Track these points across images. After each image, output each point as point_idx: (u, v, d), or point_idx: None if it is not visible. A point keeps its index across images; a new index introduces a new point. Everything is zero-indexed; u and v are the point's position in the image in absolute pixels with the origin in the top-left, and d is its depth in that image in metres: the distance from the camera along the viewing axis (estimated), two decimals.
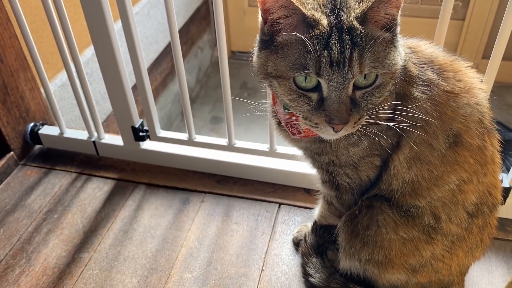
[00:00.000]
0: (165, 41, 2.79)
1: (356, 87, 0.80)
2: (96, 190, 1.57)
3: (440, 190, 0.97)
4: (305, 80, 0.78)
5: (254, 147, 1.48)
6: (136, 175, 1.61)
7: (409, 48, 0.96)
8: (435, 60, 0.96)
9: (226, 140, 1.49)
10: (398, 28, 0.83)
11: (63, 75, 1.93)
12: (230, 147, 1.49)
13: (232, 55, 3.59)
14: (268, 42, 0.82)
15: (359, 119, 0.82)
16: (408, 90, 0.92)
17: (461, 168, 0.95)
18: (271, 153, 1.46)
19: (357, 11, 0.76)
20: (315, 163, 1.04)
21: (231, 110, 1.42)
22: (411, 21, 2.73)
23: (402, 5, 0.78)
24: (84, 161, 1.69)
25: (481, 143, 0.95)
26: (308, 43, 0.75)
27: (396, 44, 0.82)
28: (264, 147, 1.47)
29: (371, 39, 0.76)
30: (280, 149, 1.46)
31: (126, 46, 1.38)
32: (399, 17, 0.81)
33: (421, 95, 0.92)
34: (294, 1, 0.74)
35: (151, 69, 2.66)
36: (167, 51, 2.84)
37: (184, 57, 3.15)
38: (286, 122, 0.95)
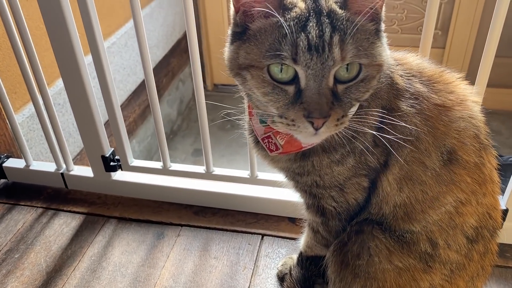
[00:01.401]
0: (142, 73, 2.72)
1: (338, 81, 0.71)
2: (63, 226, 1.45)
3: (436, 212, 0.88)
4: (281, 71, 0.70)
5: (234, 174, 1.38)
6: (107, 208, 1.49)
7: (395, 60, 0.89)
8: (424, 72, 0.89)
9: (204, 167, 1.40)
10: (383, 25, 0.76)
11: (32, 106, 1.82)
12: (208, 175, 1.39)
13: (215, 87, 3.54)
14: (241, 33, 0.74)
15: (342, 117, 0.72)
16: (395, 103, 0.85)
17: (457, 188, 0.87)
18: (253, 180, 1.36)
19: None
20: (298, 185, 0.95)
21: (207, 134, 1.33)
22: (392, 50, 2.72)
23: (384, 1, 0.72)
24: (51, 195, 1.57)
25: (478, 160, 0.87)
26: (284, 25, 0.67)
27: (381, 37, 0.75)
28: (245, 173, 1.37)
29: (352, 24, 0.69)
30: (262, 175, 1.36)
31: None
32: (383, 12, 0.75)
33: (410, 108, 0.84)
34: None
35: (129, 100, 2.58)
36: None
37: (165, 89, 3.12)
38: (263, 137, 0.86)
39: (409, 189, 0.87)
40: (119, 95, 2.47)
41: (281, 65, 0.69)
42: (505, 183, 1.21)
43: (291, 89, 0.71)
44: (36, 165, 1.57)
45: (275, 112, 0.74)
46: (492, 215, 0.92)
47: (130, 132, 2.66)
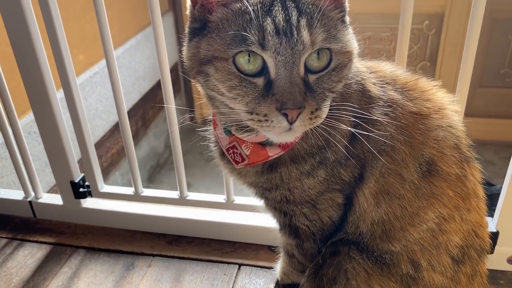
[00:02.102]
0: (128, 104, 2.68)
1: (309, 71, 0.66)
2: (28, 257, 1.35)
3: (417, 230, 0.81)
4: (249, 62, 0.64)
5: (209, 198, 1.31)
6: (76, 238, 1.40)
7: (368, 68, 0.84)
8: (398, 79, 0.84)
9: (177, 192, 1.32)
10: (348, 18, 0.73)
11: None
12: (182, 200, 1.32)
13: (204, 121, 3.50)
14: (200, 29, 0.69)
15: (316, 110, 0.66)
16: (367, 111, 0.79)
17: (439, 203, 0.80)
18: (229, 204, 1.29)
19: None
20: (268, 202, 0.88)
21: (180, 155, 1.27)
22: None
23: None
24: (19, 225, 1.48)
25: (460, 171, 0.80)
26: (249, 8, 0.63)
27: (346, 23, 0.71)
28: (221, 198, 1.30)
29: (319, 11, 0.65)
30: (239, 199, 1.29)
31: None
32: (347, 3, 0.71)
33: (384, 116, 0.79)
34: None
35: (113, 131, 2.52)
36: (131, 114, 2.72)
37: (151, 121, 3.07)
38: (228, 148, 0.80)
39: (386, 204, 0.80)
40: (102, 126, 2.42)
41: (249, 54, 0.64)
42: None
43: (260, 81, 0.66)
44: (3, 193, 1.49)
45: (244, 109, 0.67)
46: (479, 233, 0.84)
47: (113, 164, 2.58)
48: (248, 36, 0.63)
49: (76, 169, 1.36)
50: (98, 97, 2.36)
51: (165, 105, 1.16)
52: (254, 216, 1.30)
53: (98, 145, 2.38)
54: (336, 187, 0.82)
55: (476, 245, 0.84)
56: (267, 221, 1.25)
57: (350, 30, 0.72)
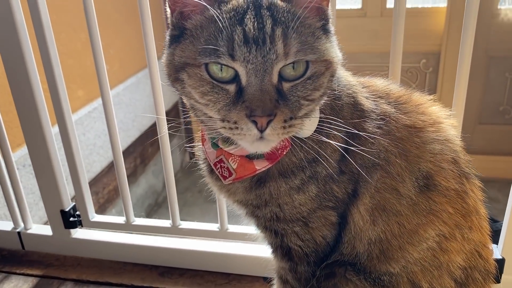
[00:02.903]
0: (127, 140, 2.67)
1: (283, 79, 0.64)
2: None
3: (417, 249, 0.76)
4: (221, 70, 0.64)
5: (202, 227, 1.26)
6: (65, 270, 1.35)
7: (360, 83, 0.83)
8: (391, 93, 0.83)
9: (170, 221, 1.28)
10: (332, 26, 0.72)
11: None
12: (174, 229, 1.27)
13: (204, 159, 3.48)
14: (179, 36, 0.69)
15: (291, 119, 0.64)
16: (360, 125, 0.77)
17: (438, 220, 0.76)
18: (223, 233, 1.24)
19: None
20: (259, 222, 0.84)
21: (173, 182, 1.23)
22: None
23: None
24: (6, 257, 1.43)
25: (459, 187, 0.77)
26: (218, 17, 0.62)
27: (329, 36, 0.70)
28: (214, 226, 1.25)
29: (296, 19, 0.63)
30: (233, 228, 1.24)
31: None
32: (329, 11, 0.70)
33: (377, 130, 0.76)
34: None
35: (110, 168, 2.50)
36: (129, 151, 2.71)
37: (150, 159, 3.06)
38: (215, 162, 0.77)
39: (383, 221, 0.77)
40: (99, 161, 2.40)
41: (221, 65, 0.63)
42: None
43: (232, 88, 0.65)
44: None
45: (216, 116, 0.66)
46: (482, 253, 0.80)
47: (109, 201, 2.54)
48: (217, 47, 0.63)
49: (67, 198, 1.33)
50: (96, 132, 2.35)
51: (155, 115, 1.14)
52: (249, 246, 1.25)
53: (94, 181, 2.35)
54: (329, 204, 0.79)
55: (481, 267, 0.80)
56: (262, 251, 1.20)
57: (332, 38, 0.71)
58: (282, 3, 0.66)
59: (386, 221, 0.76)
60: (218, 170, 0.78)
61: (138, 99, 2.78)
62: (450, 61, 2.90)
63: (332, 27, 0.71)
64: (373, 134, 0.76)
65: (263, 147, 0.68)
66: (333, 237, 0.81)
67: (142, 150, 2.91)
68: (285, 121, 0.64)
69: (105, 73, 1.17)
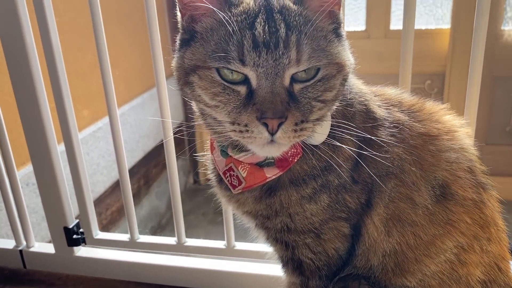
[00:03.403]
0: (131, 161, 2.66)
1: (294, 80, 0.63)
2: None
3: (434, 262, 0.74)
4: (232, 73, 0.63)
5: (208, 244, 1.23)
6: None
7: (372, 92, 0.82)
8: (404, 102, 0.81)
9: (175, 238, 1.25)
10: (343, 31, 0.71)
11: None
12: (179, 247, 1.24)
13: (208, 182, 3.46)
14: (189, 40, 0.68)
15: (302, 122, 0.63)
16: (372, 132, 0.75)
17: (456, 230, 0.73)
18: (230, 251, 1.21)
19: None
20: (269, 234, 0.81)
21: (179, 197, 1.21)
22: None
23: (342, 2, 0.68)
24: (7, 276, 1.39)
25: (477, 196, 0.75)
26: (228, 22, 0.61)
27: (341, 39, 0.69)
28: (221, 244, 1.22)
29: (308, 23, 0.63)
30: (240, 245, 1.21)
31: None
32: (341, 15, 0.70)
33: (390, 137, 0.75)
34: None
35: (114, 188, 2.47)
36: (133, 172, 2.69)
37: (154, 180, 3.03)
38: (225, 171, 0.75)
39: (398, 232, 0.74)
40: (103, 182, 2.38)
41: (231, 69, 0.63)
42: None
43: (243, 89, 0.64)
44: None
45: (227, 119, 0.65)
46: (502, 267, 0.77)
47: (112, 223, 2.51)
48: (227, 53, 0.62)
49: (70, 215, 1.31)
50: (100, 152, 2.34)
51: (161, 119, 1.13)
52: (257, 264, 1.21)
53: (97, 202, 2.33)
54: (341, 215, 0.76)
55: (500, 281, 0.76)
56: (270, 269, 1.17)
57: (344, 42, 0.71)
58: (294, 6, 0.65)
59: (402, 232, 0.74)
60: (228, 179, 0.76)
61: (143, 119, 2.77)
62: (455, 82, 2.90)
63: (344, 31, 0.70)
64: (386, 143, 0.74)
65: (274, 151, 0.67)
66: (346, 249, 0.78)
67: (146, 171, 2.90)
68: (296, 124, 0.62)
69: (113, 93, 1.17)
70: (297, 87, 0.64)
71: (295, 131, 0.63)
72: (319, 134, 0.71)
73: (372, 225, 0.75)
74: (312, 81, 0.65)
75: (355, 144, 0.74)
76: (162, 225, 3.06)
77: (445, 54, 2.89)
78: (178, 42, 0.72)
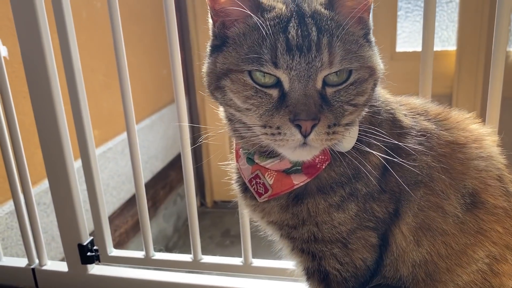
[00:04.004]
0: None
1: (326, 84, 0.64)
2: None
3: (466, 271, 0.72)
4: (264, 76, 0.63)
5: (225, 261, 1.21)
6: None
7: (397, 102, 0.82)
8: (430, 111, 0.81)
9: (191, 255, 1.23)
10: (373, 38, 0.72)
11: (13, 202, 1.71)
12: (195, 264, 1.22)
13: (215, 204, 3.44)
14: (220, 46, 0.69)
15: (334, 125, 0.63)
16: (400, 142, 0.74)
17: (488, 240, 0.72)
18: (247, 268, 1.19)
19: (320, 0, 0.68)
20: (295, 244, 0.79)
21: (195, 215, 1.20)
22: None
23: (371, 7, 0.69)
24: None
25: (507, 205, 0.74)
26: (262, 26, 0.62)
27: (371, 44, 0.70)
28: (237, 261, 1.20)
29: (340, 27, 0.64)
30: (258, 262, 1.19)
31: None
32: (370, 21, 0.71)
33: (418, 146, 0.74)
34: None
35: (122, 210, 2.46)
36: None
37: (161, 202, 3.01)
38: (250, 178, 0.75)
39: (428, 242, 0.72)
40: (112, 203, 2.36)
41: (263, 72, 0.63)
42: None
43: (275, 92, 0.64)
44: (5, 261, 1.41)
45: (258, 122, 0.65)
46: None
47: (120, 245, 2.48)
48: (260, 55, 0.63)
49: (85, 231, 1.29)
50: (110, 173, 2.33)
51: (178, 123, 1.13)
52: (275, 282, 1.19)
53: None
54: (369, 224, 0.75)
55: None
56: (290, 287, 1.15)
57: (374, 48, 0.71)
58: (325, 11, 0.66)
59: (432, 241, 0.73)
60: (253, 187, 0.75)
61: (152, 141, 2.78)
62: (462, 103, 2.91)
63: (373, 38, 0.71)
64: (414, 151, 0.74)
65: (305, 155, 0.66)
66: (374, 260, 0.77)
67: (154, 192, 2.88)
68: (329, 126, 0.62)
69: (132, 112, 1.19)
70: (329, 90, 0.65)
71: (328, 133, 0.63)
72: (348, 140, 0.70)
73: (400, 234, 0.74)
74: (344, 85, 0.65)
75: (383, 152, 0.73)
76: (169, 248, 3.03)
77: (452, 76, 2.91)
78: (209, 48, 0.72)
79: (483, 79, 2.76)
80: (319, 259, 0.77)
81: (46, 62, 1.12)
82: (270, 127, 0.63)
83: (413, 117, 0.79)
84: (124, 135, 2.45)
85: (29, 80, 1.15)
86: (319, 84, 0.64)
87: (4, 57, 1.23)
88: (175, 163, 3.13)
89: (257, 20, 0.64)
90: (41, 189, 1.84)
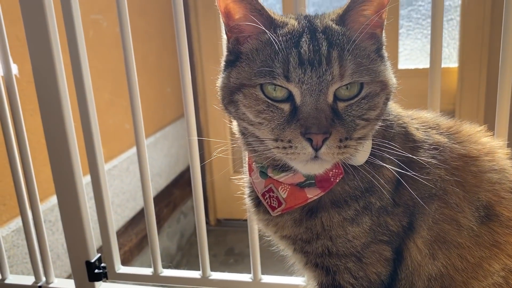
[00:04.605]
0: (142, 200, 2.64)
1: (338, 99, 0.65)
2: None
3: (482, 285, 0.72)
4: (275, 90, 0.65)
5: (233, 278, 1.20)
6: None
7: (409, 116, 0.82)
8: (441, 124, 0.82)
9: (199, 272, 1.22)
10: (385, 53, 0.73)
11: (20, 220, 1.70)
12: (204, 281, 1.21)
13: (218, 222, 3.42)
14: (234, 61, 0.70)
15: (346, 139, 0.64)
16: (413, 155, 0.75)
17: (503, 253, 0.72)
18: (256, 284, 1.18)
19: (332, 16, 0.69)
20: (309, 259, 0.79)
21: (204, 231, 1.19)
22: None
23: (385, 20, 0.70)
24: None
25: None
26: (275, 40, 0.64)
27: (383, 59, 0.70)
28: (247, 277, 1.19)
29: (351, 42, 0.65)
30: (267, 278, 1.18)
31: None
32: (383, 37, 0.72)
33: (431, 159, 0.75)
34: (258, 1, 0.66)
35: (126, 227, 2.45)
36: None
37: (165, 220, 3.00)
38: (264, 192, 0.75)
39: (444, 255, 0.72)
40: (116, 221, 2.35)
41: (275, 85, 0.65)
42: None
43: (286, 107, 0.65)
44: (12, 279, 1.39)
45: (270, 136, 0.66)
46: None
47: (124, 263, 2.45)
48: (273, 69, 0.64)
49: (93, 248, 1.29)
50: (115, 190, 2.33)
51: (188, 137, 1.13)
52: None
53: None
54: (383, 238, 0.75)
55: None
56: None
57: (386, 63, 0.72)
58: (337, 26, 0.68)
59: (447, 254, 0.72)
60: (267, 201, 0.76)
61: (156, 158, 2.78)
62: (466, 119, 2.91)
63: (386, 53, 0.72)
64: (427, 164, 0.74)
65: (317, 168, 0.67)
66: (388, 274, 0.77)
67: (158, 211, 2.87)
68: (340, 140, 0.63)
69: (142, 127, 1.20)
70: (341, 105, 0.66)
71: (339, 147, 0.63)
72: (361, 154, 0.71)
73: (415, 248, 0.74)
74: (356, 99, 0.66)
75: (396, 165, 0.74)
76: (173, 267, 3.00)
77: (454, 92, 2.93)
78: (223, 63, 0.74)
79: (486, 95, 2.78)
80: (333, 274, 0.77)
81: (57, 80, 1.13)
82: (282, 140, 0.64)
83: (425, 131, 0.79)
84: (128, 153, 2.45)
85: (40, 97, 1.16)
86: (330, 98, 0.64)
87: (15, 75, 1.24)
88: (179, 181, 3.13)
89: (270, 35, 0.65)
90: (46, 207, 1.83)
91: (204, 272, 1.22)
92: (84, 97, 1.16)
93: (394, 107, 0.80)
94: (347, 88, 0.65)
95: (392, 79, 0.71)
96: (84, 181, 1.29)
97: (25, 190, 1.32)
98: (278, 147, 0.65)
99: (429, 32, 0.97)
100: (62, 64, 1.14)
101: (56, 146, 1.21)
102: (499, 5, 2.63)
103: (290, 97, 0.65)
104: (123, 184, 2.41)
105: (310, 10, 2.76)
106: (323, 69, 0.63)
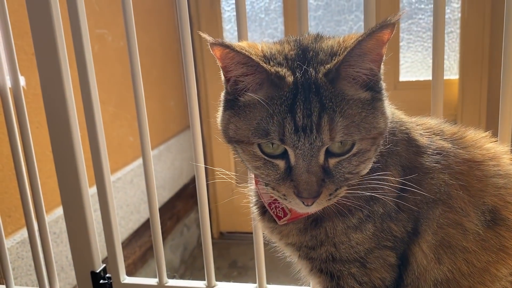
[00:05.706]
0: (146, 213, 2.64)
1: (329, 154, 0.66)
2: None
3: None
4: (272, 147, 0.67)
5: (238, 287, 1.20)
6: None
7: (412, 122, 0.83)
8: (445, 130, 0.83)
9: (205, 282, 1.22)
10: (382, 85, 0.71)
11: (25, 231, 1.71)
12: None
13: (221, 235, 3.42)
14: (232, 101, 0.71)
15: (335, 191, 0.67)
16: (417, 161, 0.76)
17: (510, 257, 0.73)
18: None
19: (327, 66, 0.66)
20: (314, 264, 0.80)
21: (209, 241, 1.20)
22: None
23: (383, 58, 0.68)
24: None
25: None
26: (270, 107, 0.65)
27: (377, 105, 0.69)
28: (252, 286, 1.19)
29: (343, 101, 0.65)
30: None
31: None
32: (381, 71, 0.70)
33: (435, 164, 0.75)
34: (253, 57, 0.65)
35: (130, 240, 2.44)
36: (148, 224, 2.66)
37: (168, 233, 2.99)
38: (270, 202, 0.77)
39: (449, 259, 0.73)
40: (120, 233, 2.35)
41: (271, 144, 0.67)
42: None
43: (282, 163, 0.67)
44: None
45: (268, 183, 0.71)
46: None
47: (128, 275, 2.45)
48: (269, 132, 0.65)
49: (98, 259, 1.29)
50: (118, 203, 2.34)
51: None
52: None
53: None
54: (387, 244, 0.75)
55: None
56: None
57: (380, 103, 0.70)
58: (329, 85, 0.66)
59: (453, 259, 0.73)
60: (273, 210, 0.77)
61: (159, 171, 2.79)
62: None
63: (382, 86, 0.72)
64: (431, 169, 0.75)
65: (310, 211, 0.72)
66: (393, 280, 0.77)
67: (161, 223, 2.85)
68: (330, 194, 0.67)
69: (148, 142, 1.22)
70: (332, 161, 0.67)
71: (330, 199, 0.68)
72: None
73: (421, 252, 0.74)
74: (347, 155, 0.67)
75: (399, 172, 0.74)
76: (177, 278, 2.99)
77: (455, 104, 2.94)
78: (222, 99, 0.75)
79: (487, 106, 2.79)
80: (337, 279, 0.77)
81: (65, 93, 1.14)
82: (278, 191, 0.69)
83: (428, 137, 0.80)
84: (132, 165, 2.46)
85: (48, 110, 1.17)
86: (321, 159, 0.66)
87: (22, 87, 1.26)
88: (182, 194, 3.13)
89: (264, 102, 0.66)
90: (51, 219, 1.84)
91: (209, 282, 1.22)
92: (92, 110, 1.18)
93: (396, 114, 0.81)
94: (340, 143, 0.66)
95: (386, 120, 0.70)
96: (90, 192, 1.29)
97: (31, 201, 1.32)
98: (274, 194, 0.70)
99: (430, 44, 0.98)
100: (70, 78, 1.16)
101: (63, 158, 1.22)
102: (498, 17, 2.66)
103: (285, 154, 0.67)
104: (127, 196, 2.42)
105: (311, 24, 2.79)
106: (314, 137, 0.64)
